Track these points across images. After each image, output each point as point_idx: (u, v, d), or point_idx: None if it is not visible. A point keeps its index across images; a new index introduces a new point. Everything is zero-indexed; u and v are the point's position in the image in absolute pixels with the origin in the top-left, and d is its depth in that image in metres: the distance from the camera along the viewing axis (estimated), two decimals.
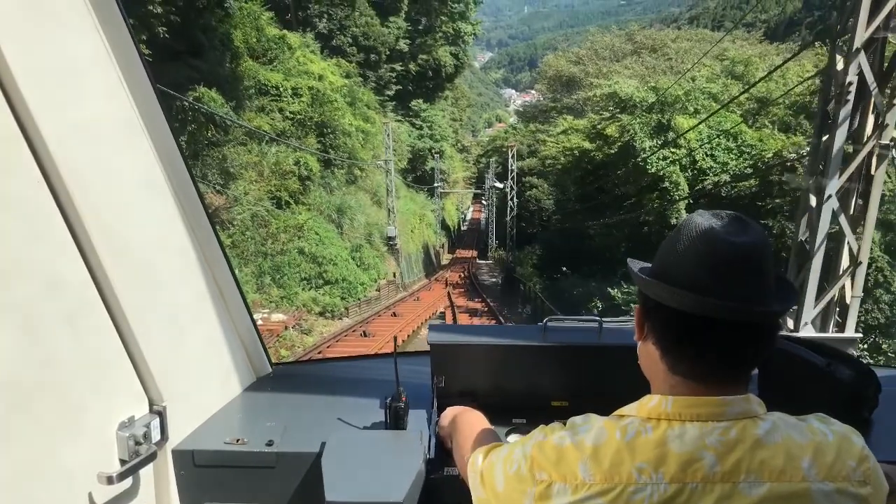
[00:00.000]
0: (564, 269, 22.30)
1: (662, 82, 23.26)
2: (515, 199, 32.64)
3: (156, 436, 1.57)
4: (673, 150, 18.35)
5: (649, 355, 1.10)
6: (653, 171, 18.29)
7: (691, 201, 17.54)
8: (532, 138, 45.57)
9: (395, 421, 1.77)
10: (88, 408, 1.39)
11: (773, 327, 1.04)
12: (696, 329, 1.00)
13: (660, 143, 18.54)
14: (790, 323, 6.33)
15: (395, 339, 1.96)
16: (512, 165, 31.71)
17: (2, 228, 1.17)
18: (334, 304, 22.07)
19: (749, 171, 16.97)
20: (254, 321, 2.05)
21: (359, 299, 23.35)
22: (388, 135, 30.56)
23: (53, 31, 1.28)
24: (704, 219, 1.03)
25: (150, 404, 1.58)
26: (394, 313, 20.96)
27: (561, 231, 28.21)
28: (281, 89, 28.29)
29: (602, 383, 1.68)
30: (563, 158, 27.57)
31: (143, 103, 1.49)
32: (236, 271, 2.18)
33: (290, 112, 28.17)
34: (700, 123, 17.17)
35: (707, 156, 18.30)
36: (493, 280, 37.95)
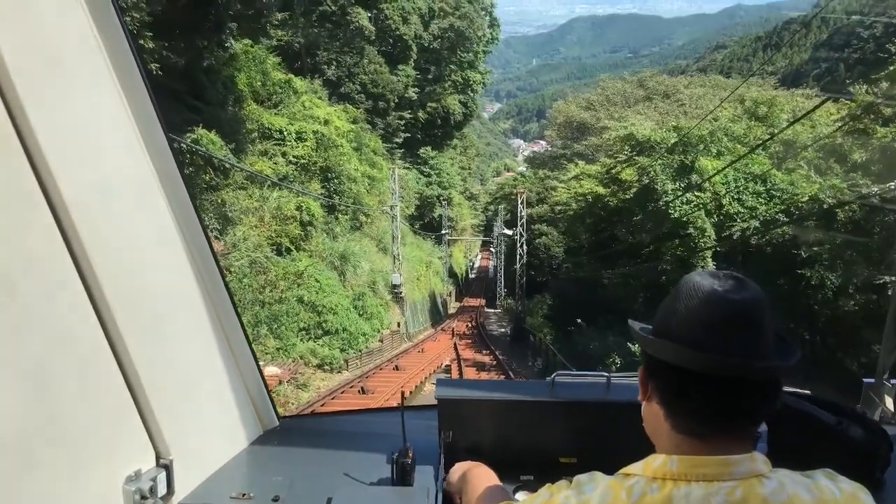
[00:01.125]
0: (579, 320, 20.93)
1: (680, 125, 22.42)
2: (525, 247, 31.45)
3: (162, 490, 1.54)
4: (697, 193, 17.19)
5: (653, 415, 1.10)
6: (675, 216, 17.08)
7: (718, 249, 16.35)
8: (541, 185, 44.76)
9: (402, 477, 1.72)
10: (96, 462, 1.38)
11: (775, 383, 1.04)
12: (697, 386, 1.01)
13: (683, 185, 17.39)
14: (890, 403, 4.98)
15: (402, 393, 2.11)
16: (521, 211, 30.61)
17: (17, 282, 1.18)
18: (333, 356, 20.78)
19: (781, 216, 15.79)
20: (262, 374, 2.03)
21: (360, 351, 22.06)
22: (395, 180, 29.73)
23: (74, 90, 1.30)
24: (703, 278, 1.06)
25: (157, 458, 1.55)
26: (396, 367, 19.62)
27: (573, 280, 27.00)
28: (285, 133, 27.69)
29: (611, 440, 1.64)
30: (574, 204, 26.56)
31: (160, 160, 1.52)
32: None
33: (294, 156, 27.50)
34: (730, 166, 16.03)
35: (734, 200, 17.12)
36: (502, 330, 36.59)
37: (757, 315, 1.01)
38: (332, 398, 15.46)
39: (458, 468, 1.68)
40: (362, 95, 50.27)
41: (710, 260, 16.40)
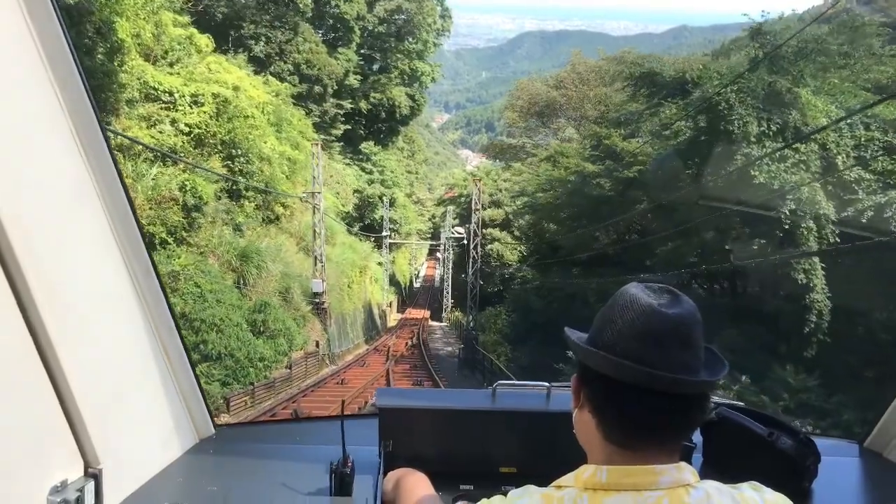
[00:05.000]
0: (569, 355, 15.04)
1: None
2: (479, 249, 25.53)
3: (90, 500, 1.48)
4: (796, 146, 11.38)
5: (585, 424, 1.11)
6: (763, 179, 11.32)
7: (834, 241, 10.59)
8: (494, 186, 39.39)
9: (341, 487, 1.70)
10: (19, 471, 1.32)
11: (703, 398, 1.07)
12: (630, 398, 1.03)
13: (775, 128, 11.54)
14: None
15: (343, 402, 1.97)
16: (477, 205, 24.73)
17: None
18: (210, 392, 14.61)
19: None
20: (198, 380, 1.96)
21: (252, 384, 15.89)
22: (318, 162, 23.66)
23: (7, 86, 1.26)
24: (639, 290, 1.07)
25: (86, 467, 1.49)
26: (294, 413, 13.44)
27: (540, 290, 21.47)
28: (176, 95, 21.39)
29: (551, 449, 1.66)
30: (542, 196, 21.08)
31: (97, 161, 1.48)
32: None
33: (187, 124, 21.23)
34: (875, 104, 10.14)
35: (849, 157, 11.41)
36: (449, 349, 30.70)
37: (690, 331, 1.03)
38: None
39: (392, 476, 1.65)
40: (295, 77, 44.04)
41: (817, 261, 10.62)
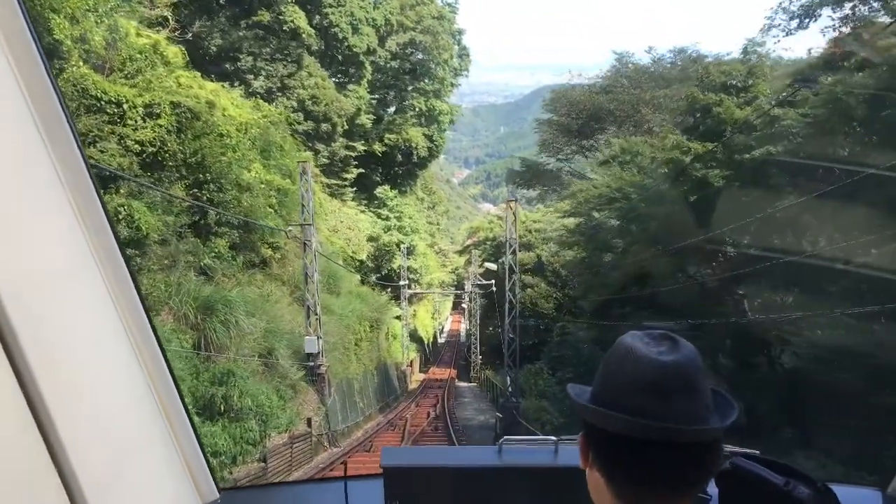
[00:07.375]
0: None
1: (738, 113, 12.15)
2: (516, 290, 19.95)
3: None
4: None
5: (596, 482, 1.08)
6: None
7: None
8: (523, 227, 34.32)
9: None
10: None
11: (710, 445, 1.01)
12: (634, 452, 0.99)
13: None
14: None
15: (345, 463, 1.77)
16: (512, 235, 19.29)
17: None
18: None
19: None
20: (201, 443, 1.85)
21: None
22: (308, 186, 18.73)
23: (29, 201, 1.26)
24: (634, 339, 1.03)
25: None
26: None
27: (601, 341, 16.06)
28: (125, 106, 16.80)
29: None
30: (598, 214, 15.88)
31: (94, 229, 1.42)
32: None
33: (135, 140, 16.56)
34: None
35: None
36: (481, 418, 24.92)
37: (690, 377, 0.98)
38: None
39: None
40: (300, 114, 39.97)
41: None
